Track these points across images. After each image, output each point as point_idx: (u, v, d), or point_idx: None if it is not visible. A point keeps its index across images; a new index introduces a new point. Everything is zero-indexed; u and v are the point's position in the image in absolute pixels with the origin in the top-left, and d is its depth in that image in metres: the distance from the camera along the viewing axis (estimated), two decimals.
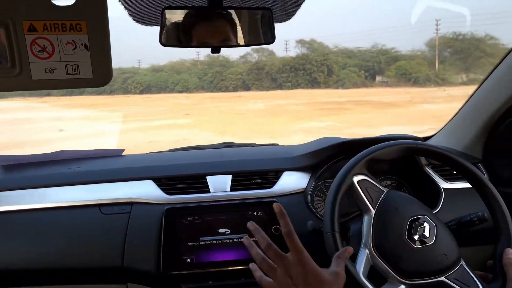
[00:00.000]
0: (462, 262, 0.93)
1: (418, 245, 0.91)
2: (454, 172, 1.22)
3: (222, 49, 0.99)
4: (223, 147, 1.53)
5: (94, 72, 0.71)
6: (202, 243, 1.10)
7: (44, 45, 0.68)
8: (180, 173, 1.22)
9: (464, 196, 1.11)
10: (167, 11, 0.93)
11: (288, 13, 1.05)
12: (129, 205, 1.13)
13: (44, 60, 0.69)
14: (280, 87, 36.33)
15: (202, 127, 13.31)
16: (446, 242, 0.93)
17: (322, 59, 36.94)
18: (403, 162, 1.26)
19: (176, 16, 0.96)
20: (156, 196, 1.15)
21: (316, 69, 36.14)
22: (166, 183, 1.19)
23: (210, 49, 0.98)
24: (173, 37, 0.97)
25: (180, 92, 40.09)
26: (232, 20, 0.99)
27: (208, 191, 1.18)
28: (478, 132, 1.30)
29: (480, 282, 0.91)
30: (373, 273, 0.91)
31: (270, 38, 0.98)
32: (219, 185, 1.20)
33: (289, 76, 36.76)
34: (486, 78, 1.28)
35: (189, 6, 0.97)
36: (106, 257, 1.07)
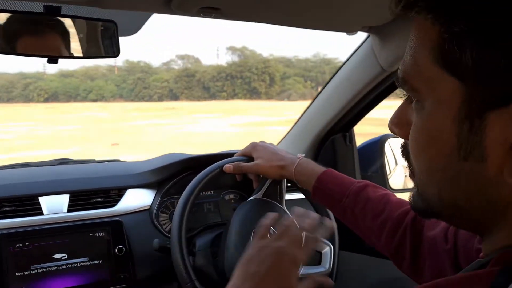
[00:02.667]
0: None
1: None
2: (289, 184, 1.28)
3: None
4: (58, 164, 1.41)
5: None
6: (34, 271, 0.99)
7: None
8: (6, 195, 1.08)
9: (304, 204, 1.10)
10: None
11: (135, 27, 1.02)
12: None
13: None
14: (213, 96, 34.79)
15: None
16: None
17: (263, 66, 35.40)
18: (245, 176, 1.31)
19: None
20: None
21: (257, 78, 34.57)
22: None
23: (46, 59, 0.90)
24: (8, 45, 0.88)
25: (94, 101, 36.62)
26: (69, 30, 0.91)
27: (41, 213, 1.08)
28: (307, 147, 1.42)
29: None
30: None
31: (114, 51, 0.94)
32: (54, 206, 1.09)
33: (224, 85, 35.12)
34: (314, 100, 1.41)
35: (22, 11, 0.86)
36: None
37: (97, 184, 1.18)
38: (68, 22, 0.89)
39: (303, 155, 0.96)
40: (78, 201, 1.12)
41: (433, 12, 0.37)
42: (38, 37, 0.88)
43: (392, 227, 0.77)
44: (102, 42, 0.94)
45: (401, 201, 0.81)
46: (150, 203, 1.19)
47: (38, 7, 0.84)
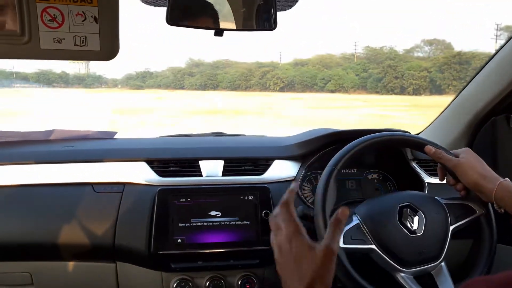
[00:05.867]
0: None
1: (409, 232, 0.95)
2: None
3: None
4: (214, 135, 1.56)
5: (101, 45, 0.73)
6: (193, 224, 1.13)
7: (54, 15, 0.71)
8: (174, 157, 1.27)
9: (447, 190, 1.08)
10: None
11: (291, 1, 1.02)
12: (122, 185, 1.18)
13: (53, 30, 0.71)
14: None
15: None
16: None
17: None
18: (389, 156, 1.33)
19: None
20: (149, 177, 1.20)
21: None
22: (159, 165, 1.24)
23: (213, 32, 0.98)
24: (181, 16, 0.98)
25: (332, 91, 33.51)
26: (239, 3, 0.99)
27: (201, 175, 1.22)
28: (462, 130, 1.36)
29: None
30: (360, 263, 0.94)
31: (272, 24, 0.98)
32: (211, 169, 1.24)
33: None
34: (472, 79, 1.33)
35: None
36: (97, 235, 1.12)
37: (247, 153, 1.29)
38: None
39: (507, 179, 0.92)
40: (231, 167, 1.25)
41: None
42: (204, 12, 0.97)
43: None
44: (264, 16, 0.98)
45: None
46: (295, 175, 1.25)
47: None
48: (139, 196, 1.16)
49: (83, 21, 0.71)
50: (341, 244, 0.92)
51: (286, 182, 1.24)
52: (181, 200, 1.15)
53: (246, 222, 1.15)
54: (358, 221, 0.96)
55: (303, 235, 0.72)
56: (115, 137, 1.48)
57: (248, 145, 1.37)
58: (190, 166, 1.25)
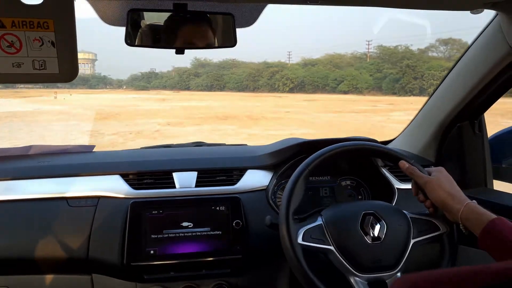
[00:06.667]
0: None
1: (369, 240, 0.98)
2: None
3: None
4: (193, 146, 1.59)
5: (60, 68, 0.76)
6: (166, 235, 1.15)
7: (12, 41, 0.75)
8: (148, 169, 1.29)
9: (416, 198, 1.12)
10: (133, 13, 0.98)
11: (249, 19, 1.07)
12: (96, 199, 1.20)
13: (11, 55, 0.75)
14: None
15: None
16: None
17: None
18: (361, 163, 1.39)
19: (143, 18, 1.03)
20: (123, 190, 1.22)
21: None
22: (133, 178, 1.27)
23: (175, 50, 1.03)
24: (141, 37, 1.04)
25: (345, 92, 31.54)
26: (198, 23, 1.04)
27: (174, 187, 1.25)
28: (430, 137, 1.42)
29: None
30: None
31: (232, 42, 1.02)
32: (185, 181, 1.26)
33: None
34: (438, 86, 1.37)
35: (155, 9, 1.02)
36: (72, 249, 1.13)
37: (221, 164, 1.32)
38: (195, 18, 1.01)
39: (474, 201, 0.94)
40: (204, 178, 1.27)
41: None
42: (177, 31, 1.01)
43: None
44: (224, 34, 1.03)
45: None
46: (267, 184, 1.28)
47: (168, 5, 0.97)
48: (113, 209, 1.18)
49: (40, 46, 0.74)
50: (300, 241, 0.95)
51: (258, 191, 1.27)
52: (153, 212, 1.17)
53: (218, 232, 1.17)
54: (321, 222, 0.99)
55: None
56: (93, 150, 1.50)
57: (222, 156, 1.40)
58: (164, 178, 1.27)
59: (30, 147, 1.43)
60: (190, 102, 27.46)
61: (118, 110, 19.58)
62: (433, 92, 1.40)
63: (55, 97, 28.52)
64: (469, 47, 1.21)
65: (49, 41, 0.74)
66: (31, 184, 1.23)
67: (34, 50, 0.75)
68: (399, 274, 0.96)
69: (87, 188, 1.22)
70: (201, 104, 24.90)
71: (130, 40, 0.99)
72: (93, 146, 1.50)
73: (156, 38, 1.03)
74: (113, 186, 1.23)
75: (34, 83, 0.78)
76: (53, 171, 1.27)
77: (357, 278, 0.94)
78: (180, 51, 1.01)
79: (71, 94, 36.53)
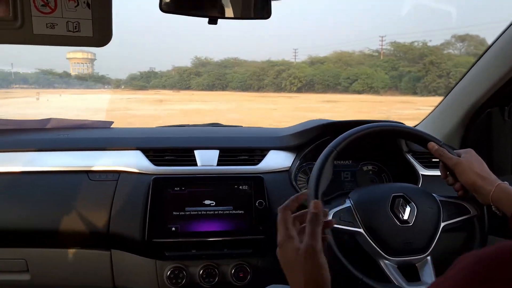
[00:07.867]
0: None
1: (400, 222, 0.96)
2: (433, 159, 1.32)
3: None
4: (210, 126, 1.59)
5: (94, 31, 0.73)
6: (188, 213, 1.15)
7: (47, 0, 0.71)
8: (168, 146, 1.29)
9: (441, 182, 1.07)
10: None
11: None
12: (117, 174, 1.21)
13: (46, 15, 0.71)
14: None
15: None
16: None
17: None
18: (384, 148, 1.36)
19: None
20: (144, 166, 1.22)
21: None
22: (154, 154, 1.27)
23: (207, 20, 0.97)
24: (175, 3, 0.97)
25: (359, 92, 29.39)
26: None
27: (196, 164, 1.25)
28: (457, 122, 1.39)
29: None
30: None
31: (267, 13, 0.97)
32: (207, 159, 1.26)
33: None
34: (466, 73, 1.35)
35: None
36: (92, 223, 1.13)
37: (243, 143, 1.32)
38: None
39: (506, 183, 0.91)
40: (226, 157, 1.27)
41: None
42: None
43: None
44: (256, 4, 0.98)
45: None
46: (290, 165, 1.28)
47: None
48: (134, 185, 1.18)
49: (75, 6, 0.71)
50: None
51: (281, 172, 1.27)
52: (175, 189, 1.17)
53: (240, 212, 1.17)
54: (350, 204, 0.97)
55: (295, 238, 0.71)
56: (111, 126, 1.51)
57: (244, 136, 1.40)
58: (185, 155, 1.27)
59: (48, 120, 1.44)
60: (192, 104, 24.41)
61: (99, 116, 14.45)
62: (461, 78, 1.38)
63: (38, 99, 27.48)
64: (502, 33, 1.20)
65: (84, 2, 0.71)
66: (51, 157, 1.24)
67: (68, 11, 0.71)
68: (429, 257, 0.94)
69: (108, 163, 1.23)
70: (205, 107, 21.36)
71: (165, 6, 0.94)
72: (112, 122, 1.51)
73: (189, 6, 0.97)
74: (134, 162, 1.23)
75: (68, 46, 0.73)
76: (73, 144, 1.28)
77: (387, 261, 0.92)
78: (213, 21, 0.96)
79: (60, 95, 35.43)
